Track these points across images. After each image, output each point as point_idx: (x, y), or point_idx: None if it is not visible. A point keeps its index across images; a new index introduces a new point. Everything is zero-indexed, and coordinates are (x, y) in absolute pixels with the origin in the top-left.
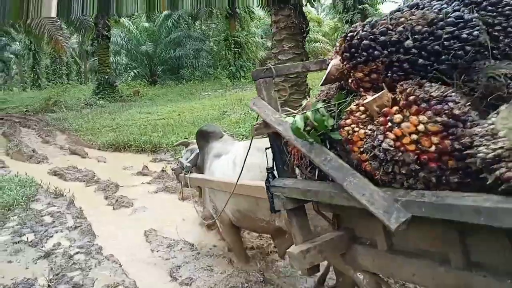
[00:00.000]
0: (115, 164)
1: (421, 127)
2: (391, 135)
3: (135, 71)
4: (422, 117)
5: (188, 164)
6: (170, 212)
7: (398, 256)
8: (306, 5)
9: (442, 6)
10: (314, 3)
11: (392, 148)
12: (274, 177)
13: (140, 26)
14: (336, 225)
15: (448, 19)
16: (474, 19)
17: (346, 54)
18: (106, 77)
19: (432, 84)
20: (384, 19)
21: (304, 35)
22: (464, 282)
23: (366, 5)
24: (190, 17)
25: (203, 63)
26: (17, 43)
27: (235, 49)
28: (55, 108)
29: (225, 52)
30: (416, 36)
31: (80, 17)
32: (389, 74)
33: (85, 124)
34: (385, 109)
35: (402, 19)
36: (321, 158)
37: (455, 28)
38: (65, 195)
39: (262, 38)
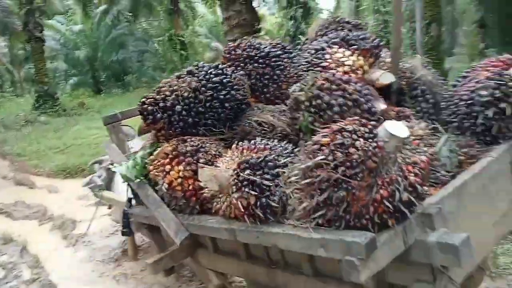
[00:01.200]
0: (68, 194)
1: (181, 174)
2: (166, 180)
3: (75, 78)
4: (181, 167)
5: (101, 183)
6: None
7: (219, 255)
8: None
9: (208, 72)
10: None
11: (165, 190)
12: (131, 205)
13: (73, 28)
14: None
15: (208, 85)
16: (233, 80)
17: (142, 115)
18: (46, 87)
19: (193, 139)
20: (163, 87)
21: (256, 34)
22: (248, 269)
23: None
24: (130, 14)
25: (149, 67)
26: None
27: (181, 50)
28: None
29: (170, 54)
30: (185, 101)
31: (1, 16)
32: (170, 131)
33: (28, 147)
34: (161, 160)
35: (176, 87)
36: (143, 194)
37: (214, 91)
38: (16, 240)
39: (207, 37)
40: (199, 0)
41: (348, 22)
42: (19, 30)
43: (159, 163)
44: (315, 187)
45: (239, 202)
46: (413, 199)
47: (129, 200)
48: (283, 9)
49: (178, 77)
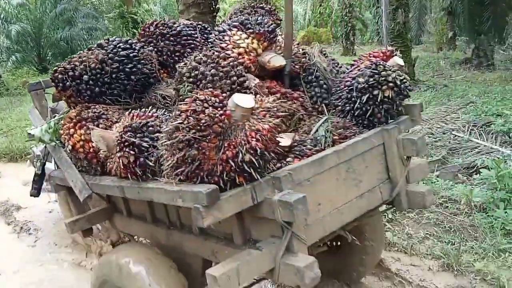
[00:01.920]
0: (12, 179)
1: (82, 137)
2: (70, 143)
3: (18, 55)
4: (82, 131)
5: (39, 153)
6: None
7: (131, 219)
8: None
9: (117, 46)
10: None
11: (69, 152)
12: (43, 167)
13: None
14: (108, 201)
15: (115, 58)
16: (141, 55)
17: (53, 83)
18: None
19: (97, 106)
20: (75, 57)
21: (214, 13)
22: (152, 231)
23: None
24: None
25: None
26: None
27: (134, 29)
28: None
29: (122, 32)
30: (92, 71)
31: None
32: (79, 99)
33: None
34: (67, 124)
35: (85, 58)
36: (57, 156)
37: (120, 64)
38: None
39: (161, 16)
40: None
41: (262, 8)
42: None
43: (65, 127)
44: (174, 147)
45: (120, 160)
46: (254, 160)
47: (43, 163)
48: None
49: (89, 49)
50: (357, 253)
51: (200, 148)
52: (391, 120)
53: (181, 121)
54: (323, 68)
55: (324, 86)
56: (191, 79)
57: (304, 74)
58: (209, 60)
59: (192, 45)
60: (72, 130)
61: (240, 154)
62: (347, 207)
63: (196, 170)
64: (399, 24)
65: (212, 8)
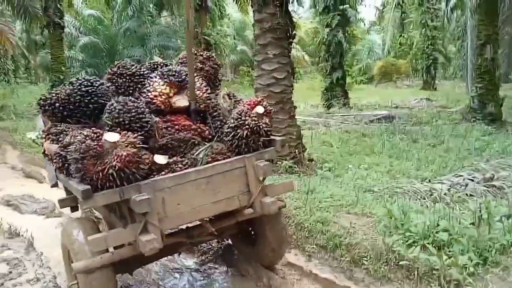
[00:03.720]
0: None
1: (46, 144)
2: (43, 148)
3: (89, 70)
4: (48, 141)
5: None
6: None
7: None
8: (292, 2)
9: (82, 83)
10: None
11: (42, 153)
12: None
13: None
14: None
15: (78, 92)
16: (103, 89)
17: (38, 106)
18: (61, 77)
19: (61, 125)
20: (55, 91)
21: (291, 40)
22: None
23: (347, 5)
24: (155, 7)
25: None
26: None
27: (205, 50)
28: (2, 115)
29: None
30: (63, 99)
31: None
32: (54, 119)
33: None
34: (42, 134)
35: (58, 91)
36: (47, 163)
37: (81, 97)
38: (23, 235)
39: (234, 39)
40: None
41: (201, 55)
42: (38, 15)
43: (41, 136)
44: (71, 161)
45: (56, 164)
46: (115, 173)
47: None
48: (319, 15)
49: (64, 84)
50: (266, 243)
51: (82, 163)
52: (257, 150)
53: (74, 146)
54: (223, 107)
55: (223, 121)
56: (107, 113)
57: (210, 111)
58: (121, 103)
59: (142, 82)
60: (43, 139)
61: (106, 169)
62: (204, 208)
63: (83, 176)
64: (486, 60)
65: (288, 34)
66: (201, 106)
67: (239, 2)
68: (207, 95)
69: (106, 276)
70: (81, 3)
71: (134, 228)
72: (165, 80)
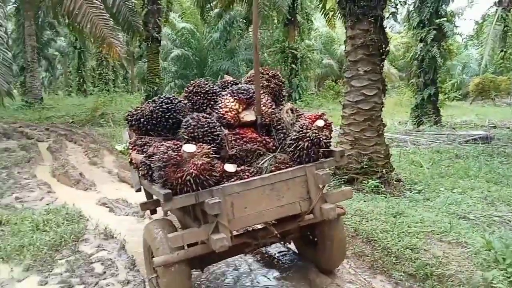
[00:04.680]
0: None
1: (133, 155)
2: (129, 157)
3: (178, 81)
4: (134, 152)
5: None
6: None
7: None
8: (388, 17)
9: (162, 101)
10: (397, 16)
11: (129, 162)
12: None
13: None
14: None
15: (160, 109)
16: (181, 106)
17: (127, 121)
18: (155, 88)
19: (145, 138)
20: (139, 107)
21: (383, 56)
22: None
23: (444, 19)
24: (244, 21)
25: None
26: (62, 38)
27: (292, 64)
28: (101, 122)
29: (281, 66)
30: (147, 115)
31: (127, 15)
32: (138, 132)
33: (127, 149)
34: (129, 146)
35: (143, 108)
36: (132, 170)
37: (162, 113)
38: (116, 237)
39: (321, 53)
40: (318, 12)
41: (267, 73)
42: (140, 29)
43: (128, 148)
44: (155, 169)
45: (141, 171)
46: (192, 179)
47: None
48: (413, 29)
49: (148, 102)
50: (325, 248)
51: (164, 171)
52: (317, 160)
53: (157, 156)
54: (286, 121)
55: (286, 133)
56: (184, 128)
57: (274, 125)
58: (195, 119)
59: (215, 99)
60: (130, 150)
61: (184, 176)
62: (268, 212)
63: (165, 182)
64: None
65: (381, 51)
66: (266, 120)
67: (327, 16)
68: (272, 110)
69: (182, 270)
70: (177, 17)
71: (207, 228)
72: (235, 97)
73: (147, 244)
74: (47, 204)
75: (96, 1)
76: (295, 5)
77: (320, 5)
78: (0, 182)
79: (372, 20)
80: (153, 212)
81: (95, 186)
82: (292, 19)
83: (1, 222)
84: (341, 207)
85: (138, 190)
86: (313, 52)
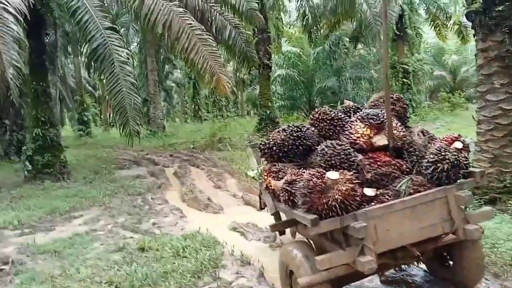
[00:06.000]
0: None
1: (268, 181)
2: (265, 183)
3: (289, 102)
4: (270, 178)
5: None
6: None
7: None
8: None
9: (292, 129)
10: None
11: (264, 187)
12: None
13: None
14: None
15: (291, 137)
16: (309, 133)
17: (259, 150)
18: (268, 112)
19: (279, 163)
20: (271, 136)
21: None
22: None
23: None
24: (350, 40)
25: (363, 96)
26: (178, 70)
27: (404, 79)
28: (220, 146)
29: (393, 82)
30: (278, 143)
31: (243, 46)
32: (271, 159)
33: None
34: (264, 173)
35: (274, 136)
36: (262, 188)
37: (293, 141)
38: (253, 264)
39: (432, 64)
40: (427, 24)
41: (392, 97)
42: (255, 58)
43: (263, 174)
44: (299, 195)
45: (283, 197)
46: (337, 205)
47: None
48: None
49: (278, 131)
50: (462, 268)
51: (309, 197)
52: (456, 181)
53: (302, 183)
54: (419, 144)
55: (419, 155)
56: (320, 156)
57: (406, 147)
58: (329, 145)
59: (341, 125)
60: (266, 176)
61: (329, 201)
62: (410, 234)
63: (310, 207)
64: None
65: None
66: (399, 143)
67: (437, 28)
68: (403, 133)
69: None
70: (283, 42)
71: (353, 250)
72: (366, 123)
73: (284, 265)
74: (182, 229)
75: (209, 39)
76: (404, 19)
77: (430, 19)
78: (138, 208)
79: (507, 31)
80: (282, 233)
81: (222, 209)
82: (401, 33)
83: (144, 248)
84: (479, 227)
85: (275, 213)
86: (423, 65)
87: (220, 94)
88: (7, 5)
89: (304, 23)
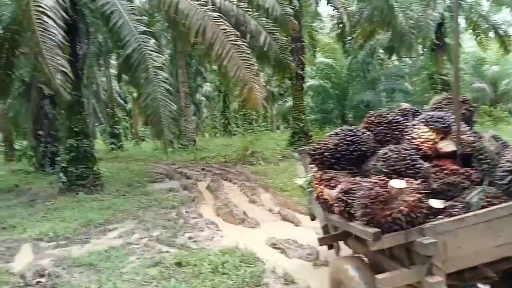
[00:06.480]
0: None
1: (320, 189)
2: (315, 192)
3: (321, 115)
4: (322, 186)
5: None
6: None
7: (353, 240)
8: None
9: (346, 133)
10: None
11: (315, 196)
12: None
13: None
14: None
15: (344, 142)
16: (364, 138)
17: (309, 156)
18: (301, 124)
19: (331, 171)
20: (322, 141)
21: None
22: (365, 251)
23: None
24: (384, 51)
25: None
26: (208, 84)
27: (443, 91)
28: (252, 160)
29: (429, 93)
30: (331, 148)
31: (278, 52)
32: (322, 166)
33: (288, 182)
34: (314, 181)
35: (326, 141)
36: (311, 197)
37: (346, 146)
38: (297, 282)
39: (471, 75)
40: (467, 34)
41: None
42: (292, 66)
43: (314, 182)
44: (359, 206)
45: (337, 207)
46: (401, 217)
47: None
48: None
49: (330, 135)
50: None
51: (370, 208)
52: None
53: (362, 193)
54: (490, 150)
55: (491, 163)
56: (382, 161)
57: (476, 154)
58: (395, 152)
59: (399, 129)
60: (316, 185)
61: (393, 213)
62: (484, 252)
63: (370, 220)
64: None
65: None
66: (467, 150)
67: (479, 37)
68: (473, 138)
69: None
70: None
71: (419, 269)
72: (430, 126)
73: (335, 281)
74: (219, 244)
75: (243, 45)
76: (443, 28)
77: (470, 27)
78: (172, 221)
79: None
80: (330, 247)
81: (259, 224)
82: (440, 43)
83: (181, 263)
84: None
85: (325, 226)
86: (463, 76)
87: (251, 106)
88: (46, 9)
89: (340, 31)
